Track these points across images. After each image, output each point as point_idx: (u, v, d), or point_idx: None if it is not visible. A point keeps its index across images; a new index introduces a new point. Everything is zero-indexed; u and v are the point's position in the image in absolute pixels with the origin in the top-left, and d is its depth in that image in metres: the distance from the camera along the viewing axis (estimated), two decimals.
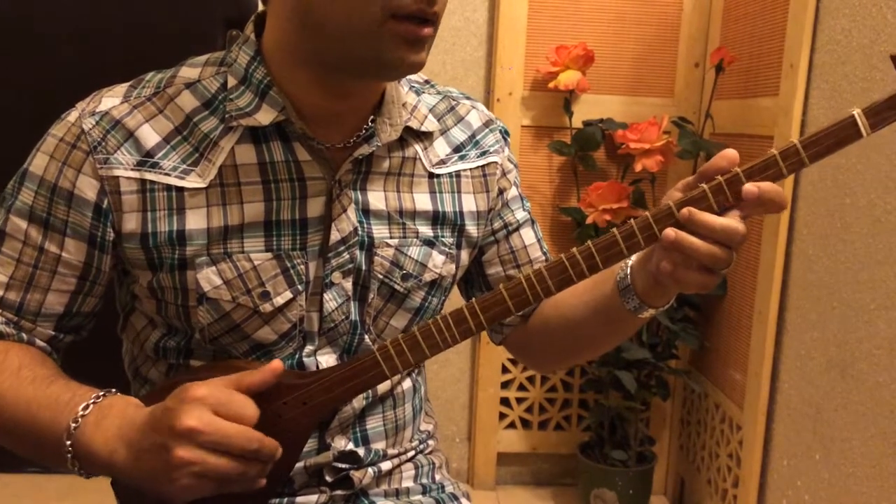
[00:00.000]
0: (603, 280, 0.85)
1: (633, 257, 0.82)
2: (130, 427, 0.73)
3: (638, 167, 1.97)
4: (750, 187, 0.70)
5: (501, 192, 0.95)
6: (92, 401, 0.75)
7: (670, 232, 0.72)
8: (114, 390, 0.78)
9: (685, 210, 0.71)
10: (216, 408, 0.70)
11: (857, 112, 0.68)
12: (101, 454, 0.73)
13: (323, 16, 0.73)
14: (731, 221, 0.71)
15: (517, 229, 0.97)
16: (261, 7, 0.84)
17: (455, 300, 0.88)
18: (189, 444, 0.68)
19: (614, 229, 0.75)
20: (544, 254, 0.99)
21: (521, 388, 2.27)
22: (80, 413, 0.74)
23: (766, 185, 0.71)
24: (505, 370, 2.25)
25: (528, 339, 0.98)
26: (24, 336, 0.83)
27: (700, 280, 0.74)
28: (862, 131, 0.69)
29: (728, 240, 0.71)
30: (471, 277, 0.99)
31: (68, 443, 0.74)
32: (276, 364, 0.76)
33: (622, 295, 0.82)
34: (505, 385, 2.26)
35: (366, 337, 0.87)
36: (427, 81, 0.94)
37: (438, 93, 0.94)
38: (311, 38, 0.75)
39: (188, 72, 0.83)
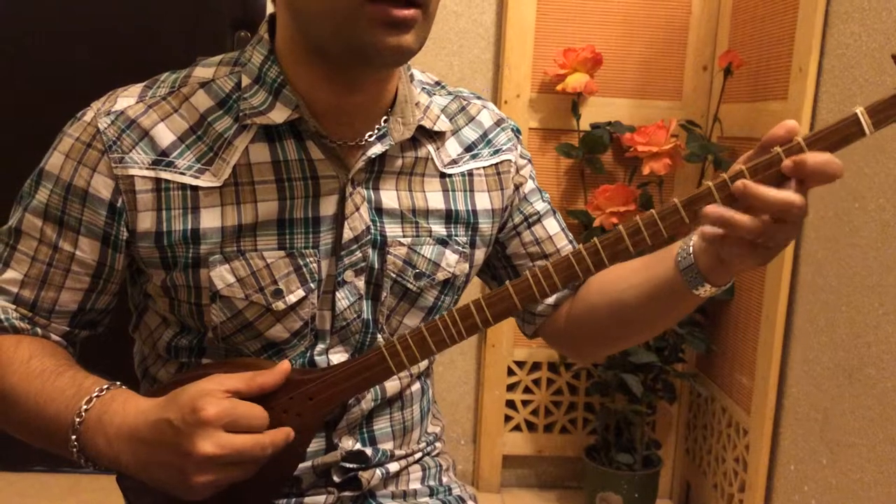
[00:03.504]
0: (657, 262, 0.84)
1: (694, 237, 0.80)
2: (132, 432, 0.73)
3: (646, 170, 1.97)
4: (787, 162, 0.68)
5: (517, 187, 0.95)
6: (95, 394, 0.76)
7: (710, 207, 0.70)
8: (118, 383, 0.79)
9: (740, 182, 0.69)
10: (228, 426, 0.71)
11: (859, 110, 0.69)
12: (106, 453, 0.75)
13: (306, 5, 0.74)
14: (789, 194, 0.68)
15: (539, 220, 0.96)
16: (270, 8, 0.84)
17: (468, 299, 0.87)
18: (207, 469, 0.71)
19: (620, 226, 0.75)
20: (571, 242, 0.98)
21: (527, 390, 2.26)
22: (84, 407, 0.75)
23: (813, 156, 0.68)
24: (510, 372, 2.24)
25: (569, 328, 0.96)
26: (39, 331, 0.84)
27: (747, 256, 0.72)
28: (865, 129, 0.69)
29: (784, 213, 0.68)
30: (498, 274, 0.99)
31: (73, 437, 0.75)
32: (286, 364, 0.78)
33: (684, 274, 0.80)
34: (510, 387, 2.26)
35: (378, 336, 0.87)
36: (438, 83, 0.94)
37: (449, 93, 0.94)
38: (303, 28, 0.76)
39: (202, 72, 0.84)
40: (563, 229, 0.98)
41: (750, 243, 0.71)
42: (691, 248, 0.80)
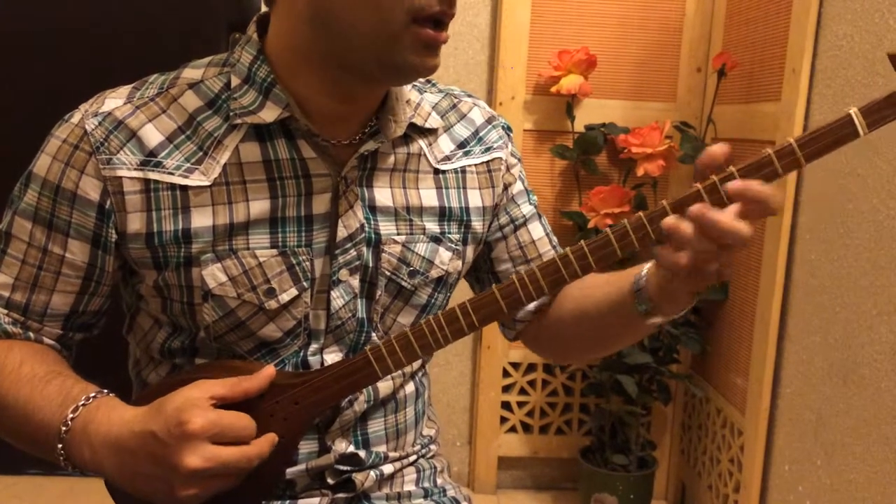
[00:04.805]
0: (622, 277, 0.84)
1: (652, 261, 0.79)
2: (117, 442, 0.73)
3: (640, 171, 1.98)
4: (735, 183, 0.68)
5: (506, 187, 0.95)
6: (81, 403, 0.76)
7: (670, 219, 0.69)
8: (106, 391, 0.78)
9: (696, 207, 0.68)
10: (215, 438, 0.71)
11: (853, 111, 0.67)
12: (91, 463, 0.74)
13: (345, 19, 0.73)
14: (739, 223, 0.67)
15: (524, 224, 0.96)
16: (263, 8, 0.84)
17: (459, 298, 0.87)
18: (193, 482, 0.71)
19: (607, 229, 0.73)
20: (554, 248, 0.98)
21: (522, 391, 2.26)
22: (70, 416, 0.75)
23: (754, 184, 0.68)
24: (506, 374, 2.24)
25: (542, 333, 0.98)
26: (32, 335, 0.83)
27: (688, 282, 0.72)
28: (859, 130, 0.67)
29: (735, 240, 0.68)
30: (481, 276, 0.99)
31: (59, 447, 0.75)
32: (270, 369, 0.78)
33: (636, 296, 0.80)
34: (506, 389, 2.26)
35: (373, 335, 0.87)
36: (428, 80, 0.94)
37: (440, 91, 0.94)
38: (330, 40, 0.76)
39: (191, 73, 0.83)
40: (547, 234, 0.98)
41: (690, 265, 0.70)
42: (645, 272, 0.80)
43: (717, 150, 0.70)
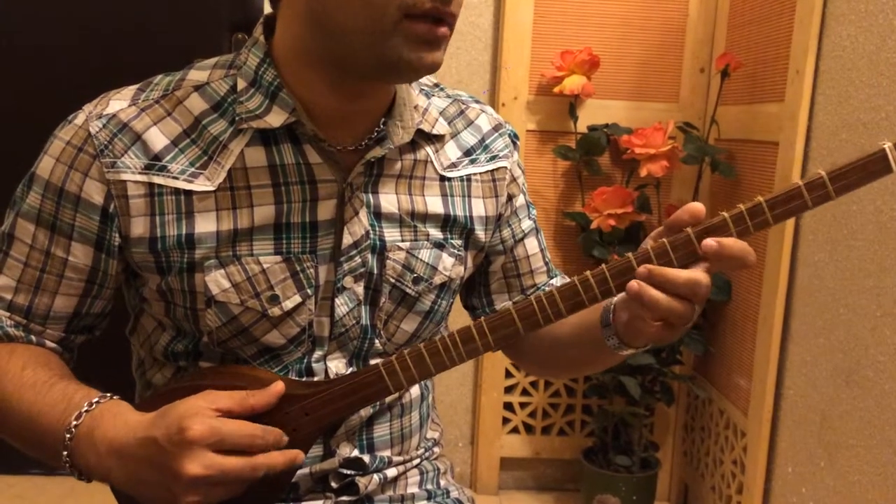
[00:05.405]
0: (594, 308, 0.83)
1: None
2: (122, 448, 0.73)
3: (643, 172, 1.97)
4: (709, 242, 0.69)
5: (511, 198, 0.95)
6: (85, 409, 0.75)
7: (634, 284, 0.71)
8: (109, 395, 0.78)
9: (643, 267, 0.71)
10: (215, 446, 0.70)
11: (888, 146, 0.66)
12: (97, 469, 0.74)
13: (339, 18, 0.72)
14: (695, 274, 0.70)
15: (522, 239, 0.97)
16: (267, 9, 0.83)
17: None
18: (195, 489, 0.70)
19: (629, 254, 0.73)
20: (546, 263, 0.99)
21: (525, 392, 2.26)
22: (74, 423, 0.74)
23: (729, 241, 0.69)
24: (508, 375, 2.24)
25: (520, 352, 0.99)
26: (34, 338, 0.83)
27: (658, 334, 0.73)
28: (892, 166, 0.66)
29: (691, 294, 0.70)
30: (473, 284, 0.99)
31: (65, 454, 0.75)
32: (279, 386, 0.77)
33: (604, 328, 0.81)
34: (508, 390, 2.25)
35: (376, 341, 0.87)
36: (436, 85, 0.94)
37: (448, 96, 0.94)
38: (327, 40, 0.75)
39: (197, 74, 0.83)
40: (542, 249, 0.99)
41: (659, 322, 0.73)
42: (612, 306, 0.81)
43: (697, 209, 0.72)
